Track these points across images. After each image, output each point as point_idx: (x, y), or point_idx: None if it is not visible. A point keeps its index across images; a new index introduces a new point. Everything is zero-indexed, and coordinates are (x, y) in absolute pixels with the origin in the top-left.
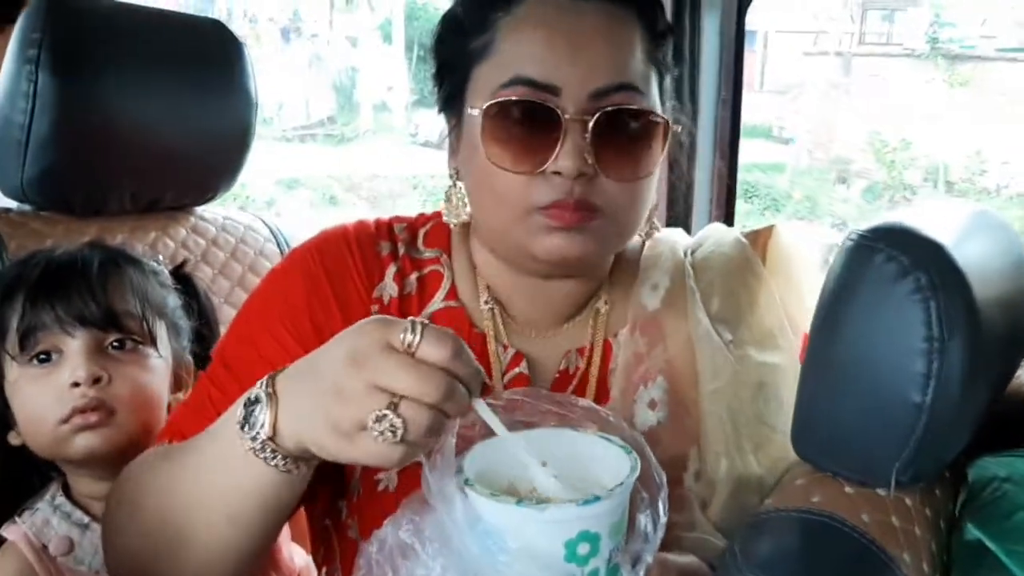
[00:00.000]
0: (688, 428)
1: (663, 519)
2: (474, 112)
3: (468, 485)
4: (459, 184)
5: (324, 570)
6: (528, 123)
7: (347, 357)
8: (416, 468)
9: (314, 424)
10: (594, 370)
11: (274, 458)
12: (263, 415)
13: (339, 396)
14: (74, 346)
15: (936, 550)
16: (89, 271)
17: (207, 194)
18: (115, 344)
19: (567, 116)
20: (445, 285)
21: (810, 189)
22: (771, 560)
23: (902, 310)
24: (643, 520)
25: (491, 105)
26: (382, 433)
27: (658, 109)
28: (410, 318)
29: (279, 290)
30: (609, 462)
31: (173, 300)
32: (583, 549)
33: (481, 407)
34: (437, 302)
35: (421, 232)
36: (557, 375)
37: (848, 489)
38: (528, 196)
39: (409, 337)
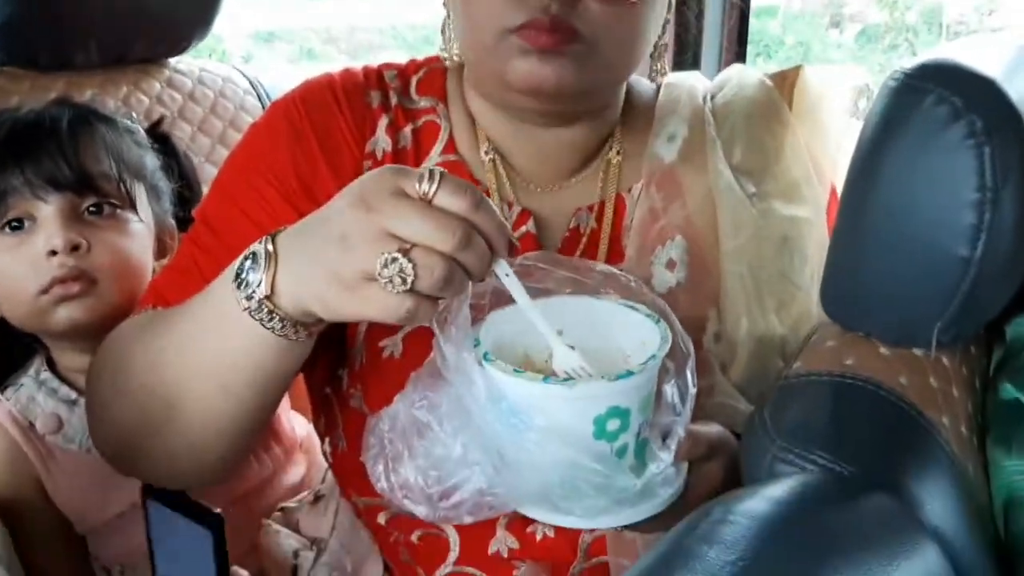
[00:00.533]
0: (708, 288)
1: (692, 390)
2: None
3: (488, 361)
4: (452, 15)
5: (327, 440)
6: None
7: (355, 202)
8: (422, 334)
9: (315, 276)
10: (606, 228)
11: (271, 319)
12: (260, 272)
13: (344, 243)
14: (47, 212)
15: (972, 411)
16: (59, 130)
17: (180, 44)
18: (92, 209)
19: None
20: (442, 137)
21: (803, 34)
22: (804, 428)
23: (952, 157)
24: (670, 391)
25: None
26: (390, 280)
27: None
28: (425, 166)
29: (261, 145)
30: (632, 331)
31: (151, 160)
32: (612, 425)
33: (502, 268)
34: (435, 156)
35: (413, 80)
36: (567, 234)
37: (883, 350)
38: (501, 15)
39: (425, 186)
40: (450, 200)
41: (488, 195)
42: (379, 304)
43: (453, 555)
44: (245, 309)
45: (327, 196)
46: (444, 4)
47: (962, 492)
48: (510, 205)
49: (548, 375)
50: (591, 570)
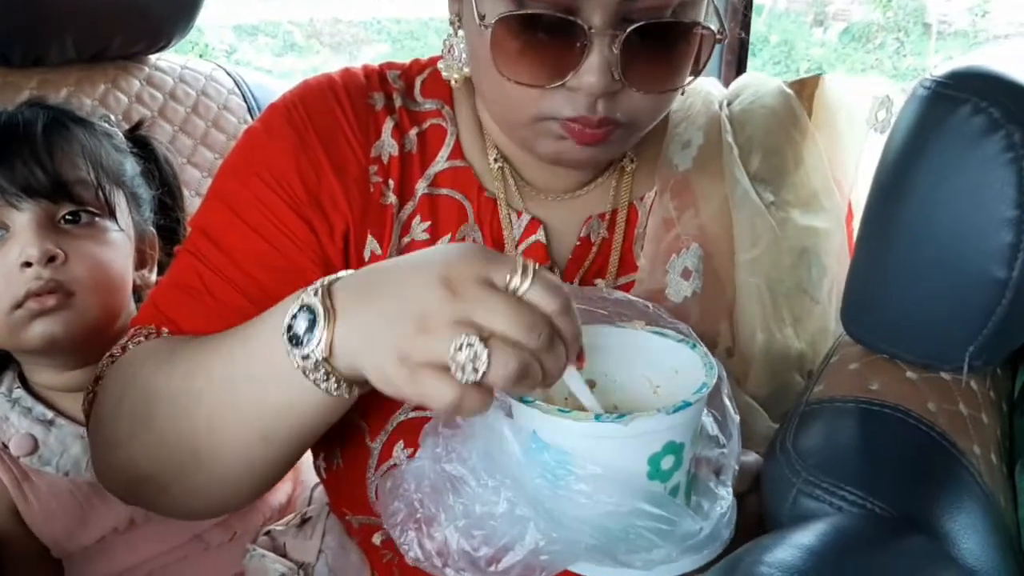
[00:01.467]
0: (721, 301)
1: (736, 418)
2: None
3: (527, 402)
4: (460, 33)
5: (321, 456)
6: (547, 34)
7: (438, 282)
8: None
9: (378, 347)
10: (618, 237)
11: (327, 380)
12: (320, 331)
13: (421, 323)
14: (22, 221)
15: (1000, 437)
16: (32, 134)
17: (160, 41)
18: (68, 217)
19: (593, 29)
20: (449, 141)
21: (787, 32)
22: (831, 461)
23: (989, 171)
24: (706, 422)
25: (502, 19)
26: (462, 366)
27: (701, 16)
28: (520, 257)
29: (262, 151)
30: (659, 358)
31: (131, 166)
32: (667, 463)
33: (572, 376)
34: (441, 161)
35: (418, 81)
36: (577, 243)
37: (910, 374)
38: (543, 104)
39: (516, 281)
40: (541, 298)
41: (496, 204)
42: (439, 393)
43: None
44: (299, 368)
45: (333, 203)
46: (451, 22)
47: (996, 526)
48: (519, 214)
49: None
50: None
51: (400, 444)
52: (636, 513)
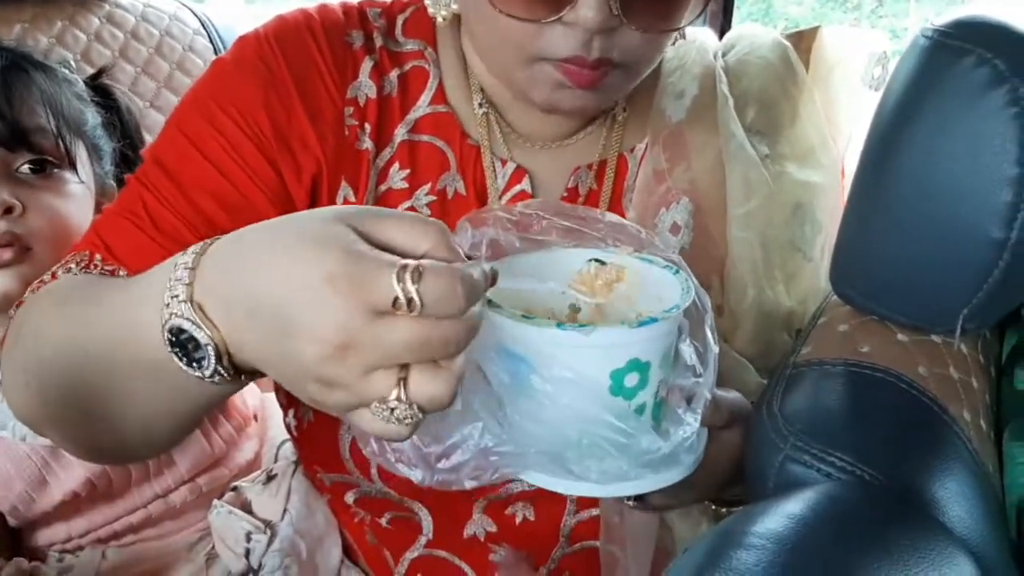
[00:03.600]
0: (711, 256)
1: (715, 349)
2: None
3: (493, 307)
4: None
5: (291, 412)
6: None
7: (325, 343)
8: None
9: (292, 385)
10: (607, 188)
11: (227, 380)
12: (211, 359)
13: (326, 385)
14: None
15: (989, 402)
16: None
17: None
18: (27, 168)
19: None
20: (431, 85)
21: None
22: (820, 426)
23: (990, 126)
24: (686, 351)
25: None
26: (390, 419)
27: None
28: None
29: (227, 81)
30: (646, 285)
31: (92, 116)
32: (631, 380)
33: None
34: (423, 106)
35: (399, 20)
36: (565, 194)
37: (901, 337)
38: (539, 44)
39: (403, 297)
40: (440, 306)
41: (480, 152)
42: (377, 431)
43: (424, 538)
44: (196, 377)
45: (303, 144)
46: None
47: (985, 494)
48: (504, 162)
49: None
50: (573, 557)
51: None
52: (594, 421)
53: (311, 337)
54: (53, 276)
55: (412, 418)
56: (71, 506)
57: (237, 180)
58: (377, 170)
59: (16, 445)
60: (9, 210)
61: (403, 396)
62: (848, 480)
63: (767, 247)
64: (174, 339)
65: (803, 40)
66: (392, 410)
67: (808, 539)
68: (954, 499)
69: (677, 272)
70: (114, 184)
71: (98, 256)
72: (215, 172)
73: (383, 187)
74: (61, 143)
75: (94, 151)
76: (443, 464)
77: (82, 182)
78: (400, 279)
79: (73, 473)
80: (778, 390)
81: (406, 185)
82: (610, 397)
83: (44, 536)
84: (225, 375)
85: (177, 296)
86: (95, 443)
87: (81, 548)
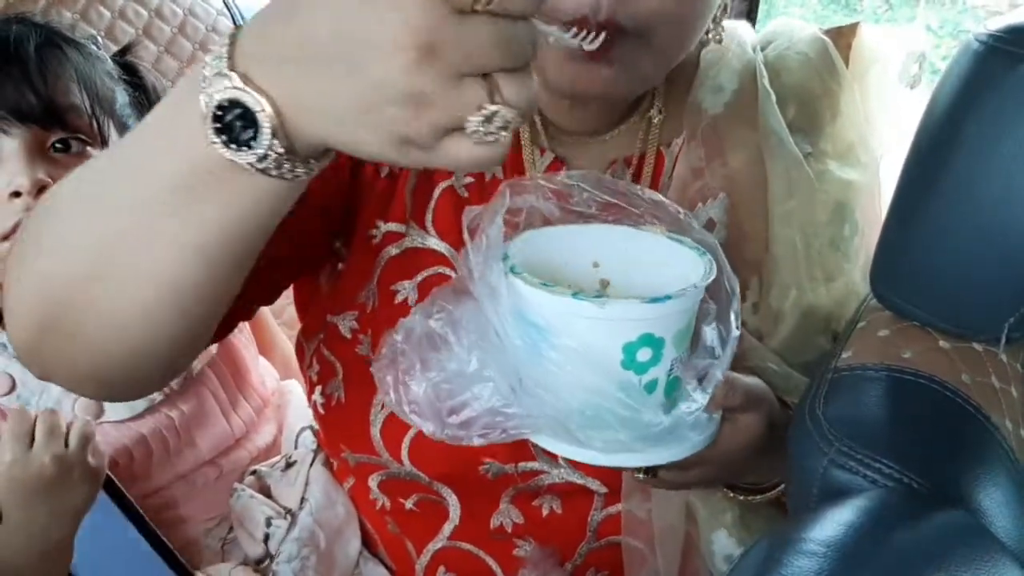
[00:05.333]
0: (748, 254)
1: (735, 332)
2: None
3: (515, 273)
4: None
5: (319, 390)
6: None
7: (412, 49)
8: (439, 281)
9: (370, 136)
10: (644, 183)
11: (280, 168)
12: (263, 132)
13: (415, 105)
14: (11, 147)
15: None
16: (24, 54)
17: None
18: (59, 145)
19: None
20: None
21: None
22: (865, 431)
23: None
24: (709, 334)
25: None
26: (492, 133)
27: None
28: None
29: None
30: (675, 265)
31: (121, 95)
32: (643, 355)
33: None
34: None
35: None
36: None
37: (943, 343)
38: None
39: None
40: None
41: (520, 140)
42: (470, 158)
43: (450, 526)
44: (250, 168)
45: None
46: None
47: None
48: (542, 151)
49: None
50: (600, 552)
51: None
52: (598, 392)
53: (391, 49)
54: None
55: (511, 123)
56: None
57: None
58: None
59: None
60: (43, 189)
61: (500, 98)
62: (896, 487)
63: (809, 246)
64: (219, 121)
65: (843, 36)
66: (490, 119)
67: (864, 548)
68: (1000, 508)
69: (704, 254)
70: None
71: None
72: None
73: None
74: (94, 122)
75: (122, 129)
76: (453, 419)
77: None
78: None
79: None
80: (820, 393)
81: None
82: (620, 370)
83: None
84: (282, 157)
85: (219, 71)
86: (98, 333)
87: None
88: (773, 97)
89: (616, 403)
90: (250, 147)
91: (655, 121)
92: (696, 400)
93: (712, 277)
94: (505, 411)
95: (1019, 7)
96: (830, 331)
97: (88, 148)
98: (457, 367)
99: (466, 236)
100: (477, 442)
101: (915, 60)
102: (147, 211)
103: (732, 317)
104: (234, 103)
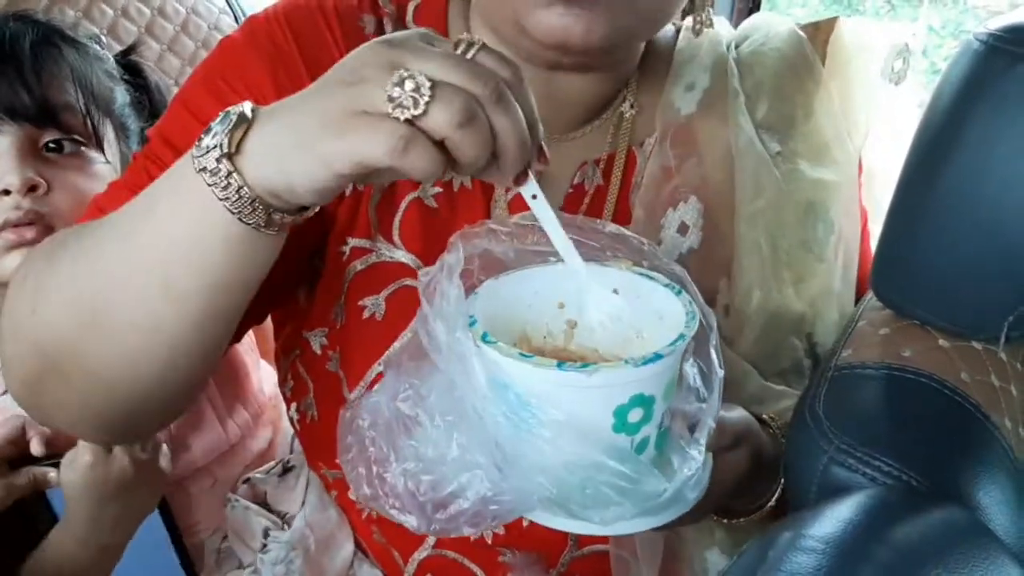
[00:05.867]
0: (721, 256)
1: (720, 372)
2: None
3: (488, 343)
4: None
5: (294, 406)
6: None
7: (372, 44)
8: (406, 295)
9: (298, 129)
10: (614, 185)
11: (227, 185)
12: (228, 127)
13: (352, 77)
14: (2, 145)
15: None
16: (19, 52)
17: None
18: (52, 145)
19: None
20: None
21: None
22: (864, 429)
23: None
24: (690, 372)
25: None
26: (400, 102)
27: None
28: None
29: (236, 59)
30: (646, 302)
31: (121, 95)
32: (634, 416)
33: (531, 188)
34: None
35: (411, 7)
36: (570, 190)
37: (942, 342)
38: None
39: (462, 47)
40: (490, 62)
41: None
42: (370, 134)
43: (432, 537)
44: (200, 170)
45: None
46: None
47: None
48: None
49: (560, 359)
50: (583, 561)
51: None
52: (596, 466)
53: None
54: None
55: (419, 102)
56: None
57: None
58: None
59: None
60: (34, 188)
61: (422, 80)
62: (895, 485)
63: (776, 247)
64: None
65: (820, 31)
66: (405, 81)
67: (863, 544)
68: (998, 506)
69: (680, 293)
70: None
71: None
72: None
73: None
74: (89, 121)
75: (121, 130)
76: (440, 515)
77: (108, 162)
78: (465, 41)
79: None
80: (820, 392)
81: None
82: (612, 434)
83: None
84: (229, 157)
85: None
86: (87, 388)
87: None
88: (742, 97)
89: (615, 475)
90: (211, 136)
91: (627, 116)
92: (694, 458)
93: (696, 325)
94: (499, 499)
95: (1020, 7)
96: (803, 333)
97: (83, 149)
98: (436, 453)
99: (423, 300)
100: (467, 532)
101: (898, 55)
102: (123, 231)
103: (713, 354)
104: (228, 112)
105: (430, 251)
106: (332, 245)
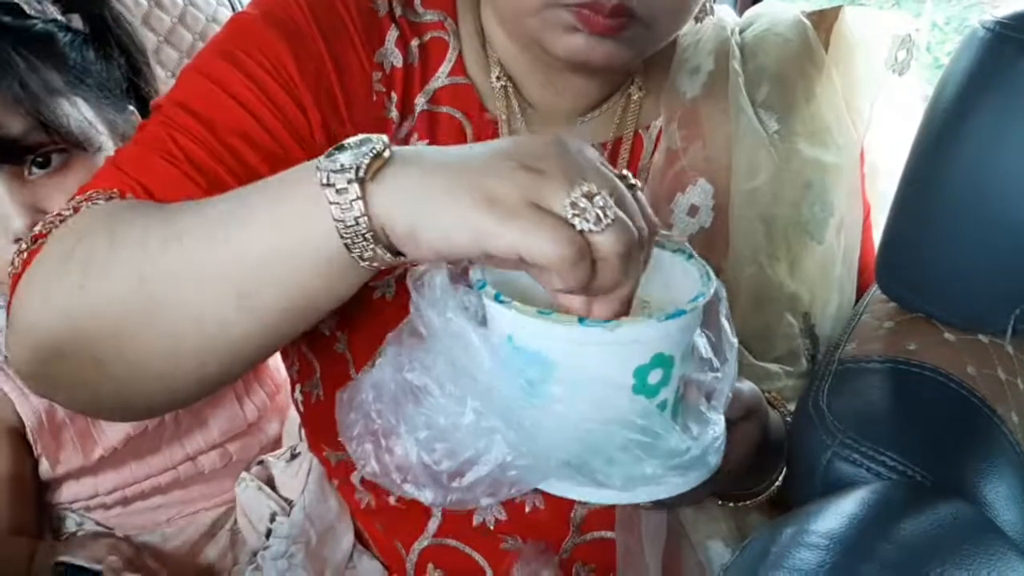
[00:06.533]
0: (726, 236)
1: (734, 341)
2: None
3: (504, 303)
4: None
5: (299, 388)
6: None
7: (555, 141)
8: None
9: (457, 188)
10: (621, 167)
11: (347, 208)
12: (369, 154)
13: (529, 167)
14: None
15: None
16: None
17: None
18: (38, 163)
19: None
20: (451, 56)
21: None
22: (868, 423)
23: None
24: (700, 343)
25: None
26: (583, 213)
27: None
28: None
29: (253, 34)
30: (653, 271)
31: (95, 69)
32: (654, 377)
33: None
34: (442, 76)
35: None
36: None
37: (948, 335)
38: None
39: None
40: (645, 207)
41: (498, 125)
42: (546, 232)
43: (434, 524)
44: (325, 184)
45: (332, 104)
46: None
47: None
48: None
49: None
50: (586, 547)
51: None
52: (618, 422)
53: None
54: (75, 210)
55: (601, 220)
56: (105, 461)
57: (268, 123)
58: (399, 142)
59: None
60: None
61: (608, 199)
62: (899, 480)
63: (771, 225)
64: (336, 150)
65: (825, 19)
66: (598, 196)
67: (868, 540)
68: (1005, 502)
69: (691, 257)
70: (134, 112)
71: (130, 195)
72: (244, 112)
73: None
74: (57, 135)
75: (109, 103)
76: (457, 483)
77: (100, 149)
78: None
79: (117, 426)
80: (824, 386)
81: None
82: (633, 396)
83: (69, 491)
84: (362, 182)
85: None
86: (131, 368)
87: (105, 507)
88: (742, 78)
89: (638, 431)
90: (343, 169)
91: (635, 98)
92: (716, 422)
93: (714, 282)
94: (518, 464)
95: None
96: (798, 312)
97: (66, 155)
98: (448, 421)
99: (412, 291)
100: (485, 503)
101: (902, 45)
102: (233, 274)
103: (725, 324)
104: (366, 140)
105: None
106: None
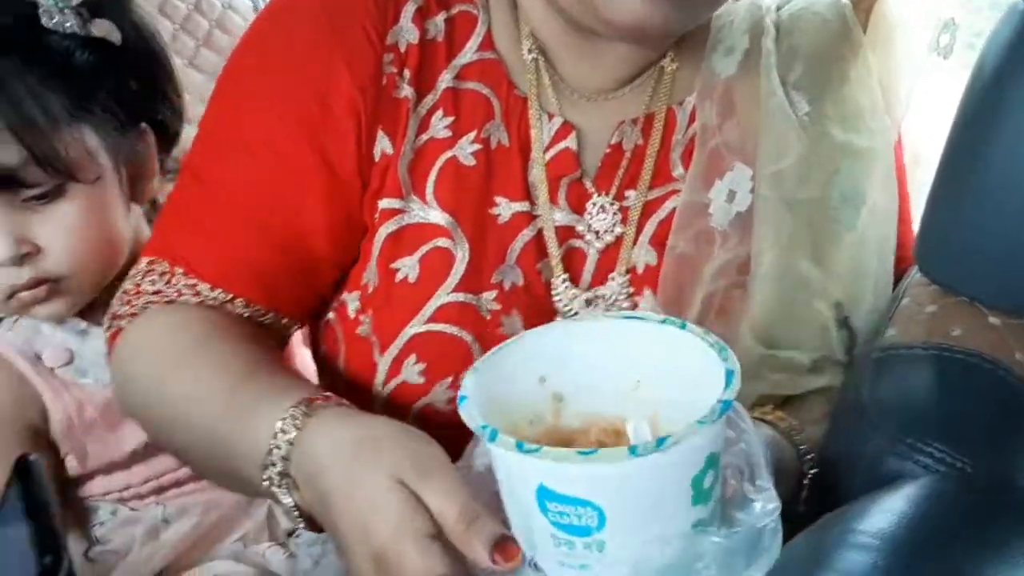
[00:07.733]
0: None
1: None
2: None
3: (531, 453)
4: None
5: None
6: None
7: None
8: (441, 255)
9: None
10: (654, 144)
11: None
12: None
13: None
14: None
15: None
16: None
17: None
18: (32, 199)
19: None
20: (479, 31)
21: None
22: (915, 414)
23: None
24: None
25: None
26: None
27: None
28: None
29: (265, 60)
30: (638, 346)
31: (100, 94)
32: (709, 480)
33: None
34: (469, 52)
35: None
36: (608, 150)
37: (993, 320)
38: None
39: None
40: None
41: (527, 103)
42: None
43: None
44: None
45: (345, 103)
46: None
47: None
48: (551, 116)
49: (555, 442)
50: None
51: (412, 358)
52: (689, 554)
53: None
54: (138, 292)
55: None
56: (137, 455)
57: (281, 179)
58: (419, 118)
59: (99, 391)
60: (26, 255)
61: None
62: (948, 473)
63: (795, 210)
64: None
65: (864, 0)
66: None
67: (919, 539)
68: None
69: (683, 326)
70: (146, 130)
71: (179, 270)
72: (260, 171)
73: (424, 136)
74: (51, 168)
75: (112, 128)
76: None
77: (99, 178)
78: None
79: None
80: (865, 375)
81: (449, 133)
82: (691, 510)
83: (101, 484)
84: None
85: (272, 471)
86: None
87: (140, 497)
88: (774, 57)
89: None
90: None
91: (668, 71)
92: (768, 501)
93: (727, 352)
94: None
95: None
96: (830, 301)
97: (62, 187)
98: None
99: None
100: None
101: (945, 28)
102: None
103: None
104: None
105: (464, 210)
106: (366, 211)
